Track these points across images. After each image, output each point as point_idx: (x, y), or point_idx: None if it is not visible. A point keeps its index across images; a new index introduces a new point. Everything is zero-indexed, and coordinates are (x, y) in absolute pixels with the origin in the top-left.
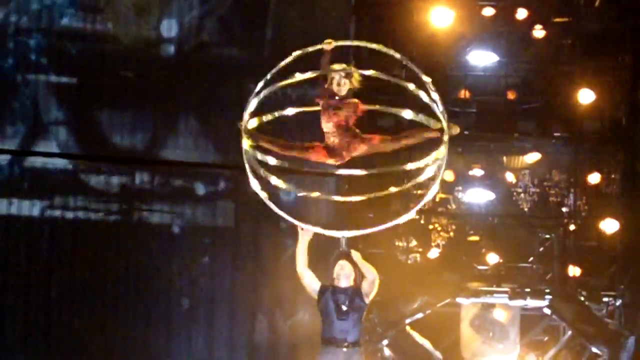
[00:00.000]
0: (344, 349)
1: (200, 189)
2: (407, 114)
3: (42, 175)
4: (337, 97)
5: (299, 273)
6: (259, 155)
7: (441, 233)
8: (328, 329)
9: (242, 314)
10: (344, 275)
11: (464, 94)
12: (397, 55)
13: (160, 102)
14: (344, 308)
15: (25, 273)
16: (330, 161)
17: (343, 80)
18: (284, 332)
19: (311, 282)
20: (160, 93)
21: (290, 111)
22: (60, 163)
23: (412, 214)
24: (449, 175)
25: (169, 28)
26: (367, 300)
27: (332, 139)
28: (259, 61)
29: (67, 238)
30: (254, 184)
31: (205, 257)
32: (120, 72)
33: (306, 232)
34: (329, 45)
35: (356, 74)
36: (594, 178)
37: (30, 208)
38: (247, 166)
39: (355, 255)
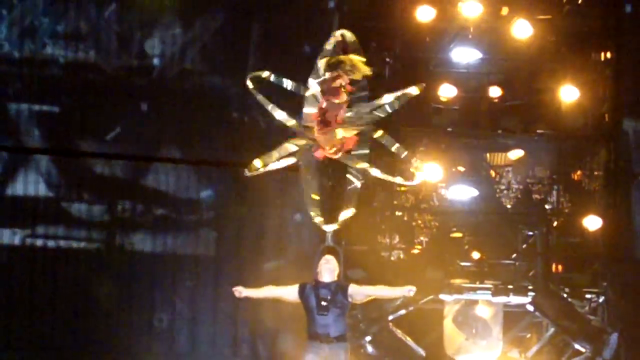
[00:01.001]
0: (328, 344)
1: (183, 217)
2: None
3: (23, 204)
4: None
5: (277, 298)
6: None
7: (424, 230)
8: (311, 323)
9: (223, 343)
10: (328, 269)
11: (447, 90)
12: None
13: (141, 130)
14: (324, 303)
15: (6, 302)
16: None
17: (332, 73)
18: None
19: (287, 292)
20: (142, 121)
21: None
22: (42, 191)
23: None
24: (438, 173)
25: (152, 56)
26: (351, 300)
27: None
28: (241, 89)
29: (49, 267)
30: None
31: (186, 286)
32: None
33: (237, 291)
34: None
35: (360, 65)
36: (577, 175)
37: (11, 237)
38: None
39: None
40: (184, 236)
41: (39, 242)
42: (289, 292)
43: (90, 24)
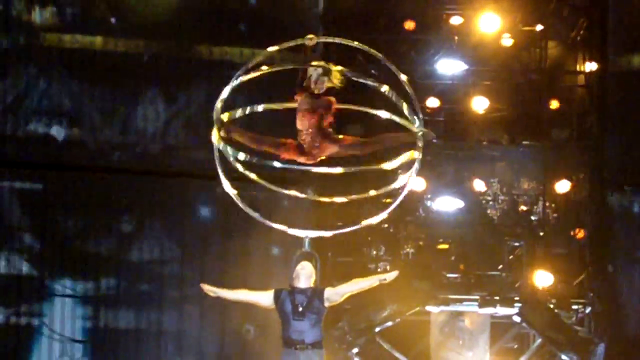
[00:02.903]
0: (303, 351)
1: (167, 293)
2: (383, 114)
3: (7, 282)
4: (313, 95)
5: (250, 301)
6: (230, 149)
7: (410, 241)
8: (285, 329)
9: None
10: (304, 275)
11: (432, 102)
12: (379, 55)
13: (125, 205)
14: (300, 309)
15: None
16: (302, 159)
17: (321, 77)
18: None
19: (262, 297)
20: (125, 197)
21: (261, 107)
22: (25, 269)
23: (383, 215)
24: (421, 184)
25: (135, 132)
26: (327, 304)
27: (305, 137)
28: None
29: (34, 345)
30: (225, 184)
31: None
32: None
33: (209, 290)
34: (310, 40)
35: (336, 73)
36: (563, 186)
37: None
38: (216, 161)
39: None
40: (168, 312)
41: (23, 320)
42: (264, 298)
43: (73, 100)
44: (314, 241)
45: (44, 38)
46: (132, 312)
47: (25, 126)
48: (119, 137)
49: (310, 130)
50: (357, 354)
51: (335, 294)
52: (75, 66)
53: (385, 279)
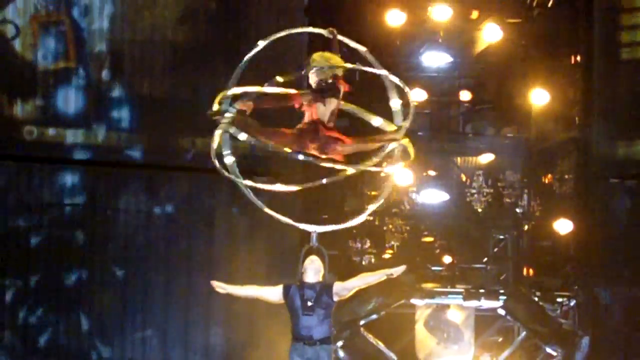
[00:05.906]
0: (311, 347)
1: None
2: (377, 121)
3: None
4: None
5: (258, 297)
6: (232, 130)
7: (395, 234)
8: (295, 325)
9: None
10: (312, 269)
11: (417, 94)
12: (362, 48)
13: (114, 301)
14: (310, 303)
15: None
16: (313, 151)
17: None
18: None
19: (271, 293)
20: (113, 292)
21: (270, 89)
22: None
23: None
24: (409, 178)
25: (118, 225)
26: (336, 299)
27: (311, 135)
28: (209, 256)
29: None
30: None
31: None
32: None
33: (218, 286)
34: (330, 32)
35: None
36: (548, 178)
37: None
38: (214, 145)
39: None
40: None
41: None
42: (273, 293)
43: (55, 194)
44: (295, 234)
45: (26, 132)
46: None
47: (6, 223)
48: (101, 229)
49: (318, 125)
50: (341, 347)
51: (343, 289)
52: (57, 160)
53: (392, 274)
